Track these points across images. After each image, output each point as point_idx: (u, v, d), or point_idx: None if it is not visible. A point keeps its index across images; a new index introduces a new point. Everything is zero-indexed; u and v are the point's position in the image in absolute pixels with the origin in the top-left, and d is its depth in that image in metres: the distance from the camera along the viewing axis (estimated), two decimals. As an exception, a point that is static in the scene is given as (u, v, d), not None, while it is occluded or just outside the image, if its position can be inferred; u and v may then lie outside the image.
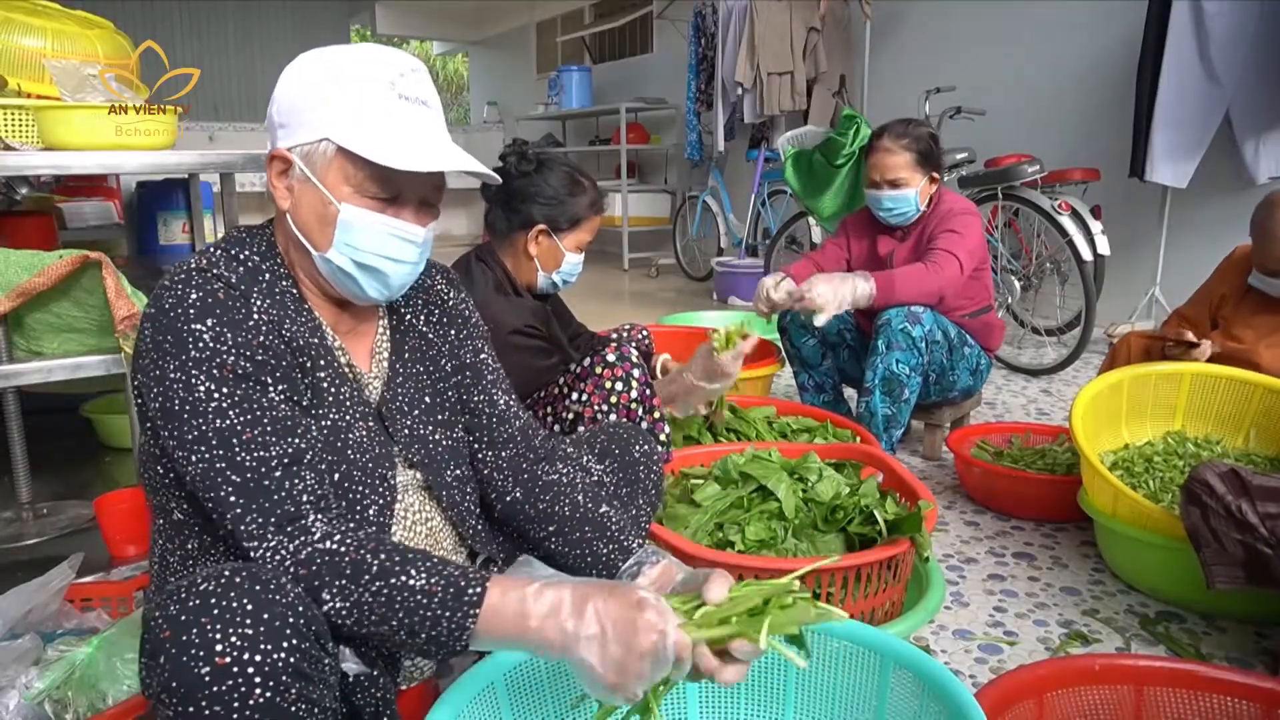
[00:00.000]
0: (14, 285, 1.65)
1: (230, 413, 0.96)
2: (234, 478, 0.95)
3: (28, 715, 1.25)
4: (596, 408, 1.81)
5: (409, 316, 1.24)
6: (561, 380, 1.89)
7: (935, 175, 2.54)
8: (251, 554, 0.94)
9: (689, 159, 6.86)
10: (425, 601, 0.92)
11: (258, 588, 0.85)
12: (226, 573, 0.86)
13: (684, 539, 1.54)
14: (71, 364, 1.79)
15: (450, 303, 1.28)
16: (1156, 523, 1.73)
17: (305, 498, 0.98)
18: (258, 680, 0.82)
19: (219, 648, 0.82)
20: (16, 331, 1.78)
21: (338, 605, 0.93)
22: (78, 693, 1.27)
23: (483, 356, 1.29)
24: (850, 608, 1.47)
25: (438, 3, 10.28)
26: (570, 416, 1.85)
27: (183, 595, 0.85)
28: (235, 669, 0.82)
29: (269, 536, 0.94)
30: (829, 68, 5.46)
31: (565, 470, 1.28)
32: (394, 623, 0.92)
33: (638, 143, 7.39)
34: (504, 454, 1.27)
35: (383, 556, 0.95)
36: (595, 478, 1.36)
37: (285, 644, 0.85)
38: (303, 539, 0.95)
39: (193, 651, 0.81)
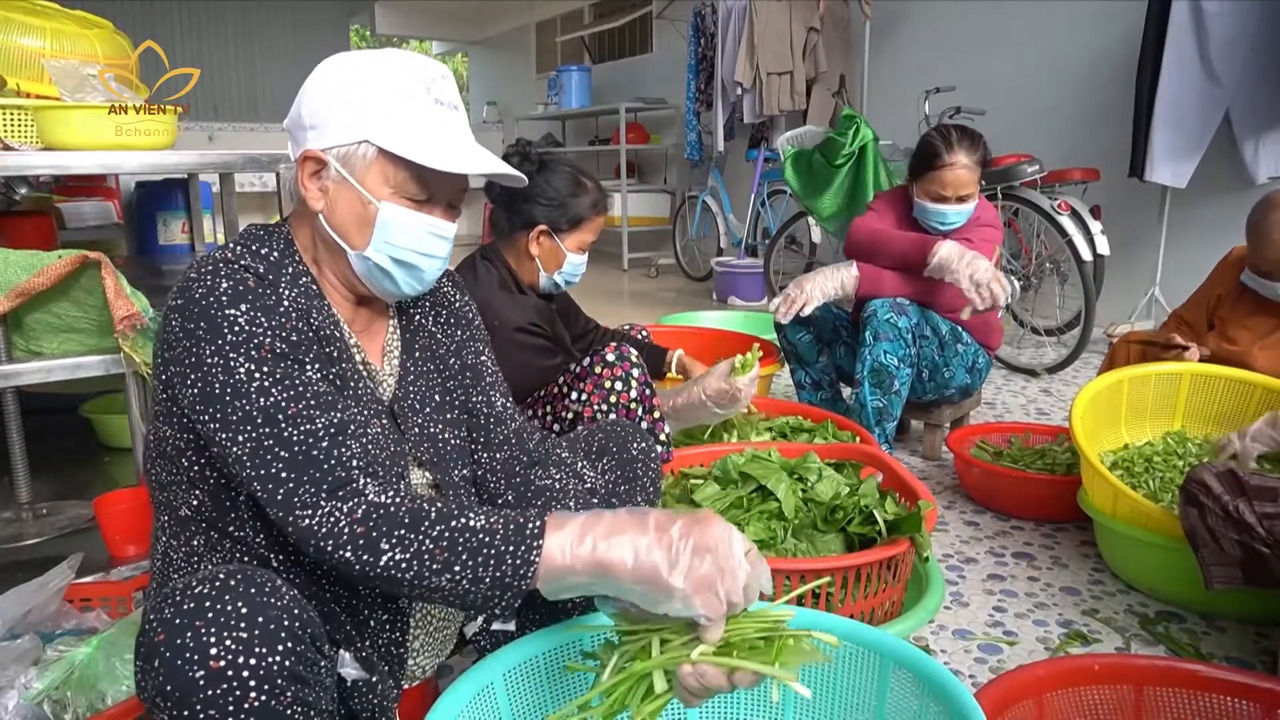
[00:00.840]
0: (13, 285, 1.65)
1: (273, 390, 0.96)
2: (283, 453, 0.95)
3: (27, 715, 1.25)
4: (596, 407, 1.81)
5: (418, 317, 1.25)
6: (561, 380, 1.89)
7: None
8: (305, 523, 0.93)
9: (689, 159, 6.86)
10: (487, 540, 0.93)
11: (253, 591, 0.85)
12: (221, 575, 0.86)
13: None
14: (71, 364, 1.79)
15: (456, 304, 1.30)
16: (1156, 523, 1.73)
17: (355, 463, 0.98)
18: (252, 684, 0.82)
19: (213, 651, 0.81)
20: (16, 331, 1.78)
21: (397, 557, 0.92)
22: (77, 693, 1.27)
23: (483, 358, 1.30)
24: (850, 608, 1.47)
25: (437, 3, 10.27)
26: (569, 416, 1.84)
27: (177, 598, 0.84)
28: (229, 672, 0.81)
29: (322, 503, 0.94)
30: (828, 68, 5.46)
31: (558, 476, 1.29)
32: (457, 568, 0.92)
33: (637, 143, 7.39)
34: (499, 456, 1.27)
35: (439, 505, 0.96)
36: (588, 485, 1.36)
37: (280, 647, 0.84)
38: (356, 500, 0.95)
39: (187, 655, 0.81)
